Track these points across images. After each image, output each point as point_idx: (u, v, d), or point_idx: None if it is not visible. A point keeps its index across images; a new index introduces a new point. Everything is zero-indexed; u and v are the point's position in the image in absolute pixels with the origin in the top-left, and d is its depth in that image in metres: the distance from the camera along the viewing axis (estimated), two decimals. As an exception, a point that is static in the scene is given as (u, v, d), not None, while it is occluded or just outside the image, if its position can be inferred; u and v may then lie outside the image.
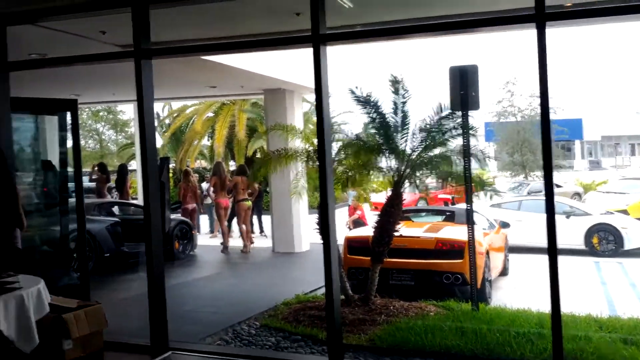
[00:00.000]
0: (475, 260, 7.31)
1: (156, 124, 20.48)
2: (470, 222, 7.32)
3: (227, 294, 8.69)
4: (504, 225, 10.61)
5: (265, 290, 8.82)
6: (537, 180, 23.86)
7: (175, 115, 22.50)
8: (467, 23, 5.76)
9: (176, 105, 22.27)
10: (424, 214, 11.34)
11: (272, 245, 12.39)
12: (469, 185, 7.26)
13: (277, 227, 12.26)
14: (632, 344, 5.62)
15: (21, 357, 4.09)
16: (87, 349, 5.03)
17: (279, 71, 10.77)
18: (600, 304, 8.37)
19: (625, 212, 17.44)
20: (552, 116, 23.62)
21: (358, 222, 12.25)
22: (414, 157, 7.35)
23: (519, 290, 9.28)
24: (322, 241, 5.31)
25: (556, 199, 15.66)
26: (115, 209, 11.48)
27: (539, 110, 5.05)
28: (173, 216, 11.58)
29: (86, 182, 20.01)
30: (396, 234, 7.34)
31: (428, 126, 7.35)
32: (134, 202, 13.20)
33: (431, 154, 7.44)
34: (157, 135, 22.01)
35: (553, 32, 4.71)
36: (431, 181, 8.95)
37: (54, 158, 7.72)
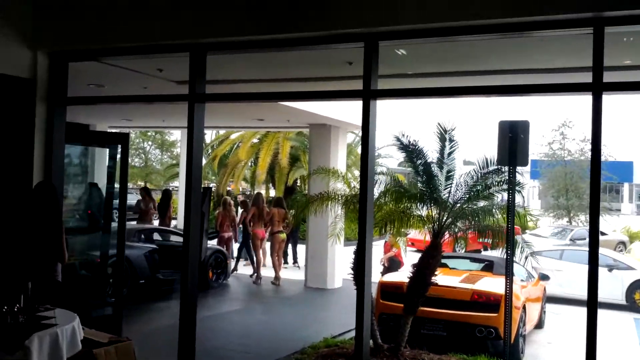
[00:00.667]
0: (511, 315, 7.18)
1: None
2: (509, 274, 7.21)
3: (256, 332, 8.70)
4: (543, 277, 10.36)
5: (294, 329, 8.81)
6: (581, 225, 23.29)
7: (221, 140, 22.92)
8: (523, 88, 5.80)
9: (222, 129, 22.69)
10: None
11: (304, 279, 12.41)
12: (512, 238, 7.19)
13: (310, 261, 12.28)
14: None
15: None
16: (116, 384, 5.13)
17: (325, 108, 10.92)
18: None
19: (671, 265, 16.88)
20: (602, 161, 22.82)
21: (393, 260, 12.12)
22: (456, 208, 7.29)
23: (553, 346, 9.06)
24: (355, 287, 5.29)
25: (600, 250, 15.27)
26: (155, 234, 11.73)
27: (589, 155, 5.04)
28: (209, 244, 11.75)
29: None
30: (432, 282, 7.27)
31: (473, 179, 7.29)
32: (174, 229, 13.42)
33: (473, 206, 7.35)
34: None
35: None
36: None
37: (101, 182, 8.00)
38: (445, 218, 7.25)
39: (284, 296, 11.58)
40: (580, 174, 24.41)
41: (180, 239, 7.48)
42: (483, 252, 14.13)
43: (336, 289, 12.10)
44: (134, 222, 13.43)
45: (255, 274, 12.40)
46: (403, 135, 7.37)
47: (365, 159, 5.45)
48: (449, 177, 7.35)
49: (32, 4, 6.35)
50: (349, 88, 5.89)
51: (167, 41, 5.90)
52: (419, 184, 7.48)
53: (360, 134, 6.96)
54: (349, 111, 11.22)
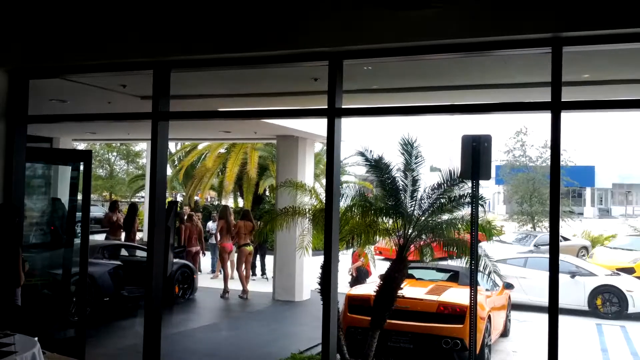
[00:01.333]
0: (476, 326, 7.28)
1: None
2: (474, 285, 7.30)
3: (223, 349, 8.61)
4: (508, 286, 10.55)
5: (262, 345, 8.77)
6: (544, 231, 23.75)
7: (187, 150, 22.74)
8: (485, 107, 5.95)
9: (188, 141, 22.54)
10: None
11: (272, 292, 12.38)
12: (475, 251, 7.28)
13: (279, 273, 12.27)
14: None
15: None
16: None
17: (292, 121, 10.96)
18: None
19: (632, 269, 17.35)
20: (564, 165, 23.21)
21: (361, 270, 12.19)
22: (420, 221, 7.37)
23: (519, 354, 9.22)
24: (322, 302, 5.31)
25: (562, 257, 15.63)
26: (121, 249, 11.56)
27: (549, 162, 5.20)
28: (176, 260, 11.63)
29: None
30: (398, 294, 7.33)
31: (438, 192, 7.38)
32: (139, 244, 13.25)
33: (437, 219, 7.45)
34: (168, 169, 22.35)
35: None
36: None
37: (64, 197, 7.86)
38: (410, 231, 7.33)
39: (252, 310, 11.52)
40: (542, 180, 24.88)
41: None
42: (449, 262, 14.26)
43: (304, 302, 12.10)
44: (103, 236, 13.23)
45: (223, 288, 12.33)
46: (367, 150, 7.43)
47: (331, 175, 5.50)
48: (414, 191, 7.43)
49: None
50: (315, 102, 5.95)
51: (131, 59, 5.87)
52: (385, 198, 7.55)
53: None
54: (315, 123, 11.27)
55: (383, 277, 7.34)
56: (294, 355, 7.90)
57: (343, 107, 5.43)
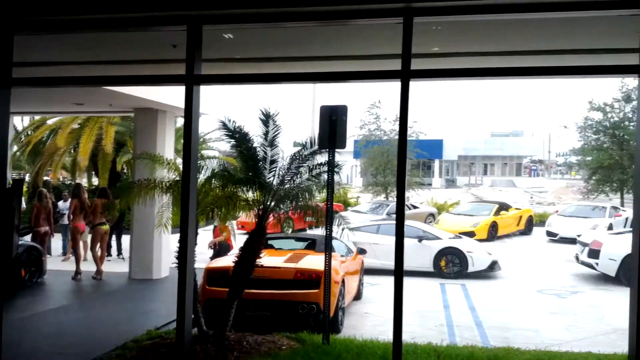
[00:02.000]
0: (330, 289, 7.67)
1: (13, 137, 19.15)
2: (328, 250, 7.66)
3: (73, 331, 8.24)
4: (361, 251, 11.21)
5: (116, 324, 8.49)
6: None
7: (36, 126, 21.00)
8: (337, 75, 6.19)
9: (37, 114, 20.86)
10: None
11: (128, 271, 12.03)
12: (331, 218, 7.62)
13: (135, 252, 11.92)
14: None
15: None
16: None
17: (149, 91, 10.52)
18: (442, 328, 9.16)
19: (472, 233, 19.12)
20: (415, 138, 24.77)
21: (223, 244, 12.25)
22: (280, 190, 7.53)
23: (371, 315, 9.85)
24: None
25: (410, 223, 16.65)
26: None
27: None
28: (22, 240, 10.90)
29: None
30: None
31: (295, 162, 7.57)
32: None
33: (296, 188, 7.65)
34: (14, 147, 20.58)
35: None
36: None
37: None
38: (269, 201, 7.48)
39: (106, 291, 11.13)
40: (395, 152, 26.31)
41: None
42: (308, 231, 14.77)
43: (162, 279, 11.90)
44: None
45: (75, 270, 11.76)
46: (229, 120, 7.42)
47: (188, 145, 5.48)
48: (273, 161, 7.55)
49: None
50: (174, 72, 5.81)
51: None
52: (245, 169, 7.60)
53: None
54: (175, 95, 10.91)
55: (242, 248, 7.44)
56: (149, 331, 7.77)
57: (202, 74, 5.39)
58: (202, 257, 10.81)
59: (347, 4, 4.97)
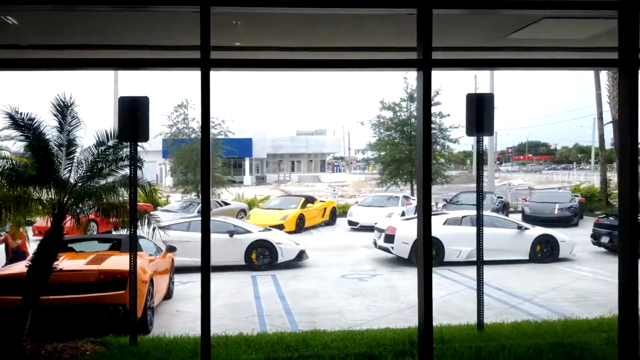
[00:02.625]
0: (137, 290, 7.39)
1: None
2: (133, 249, 7.35)
3: None
4: (171, 249, 10.98)
5: None
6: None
7: None
8: (139, 62, 6.03)
9: None
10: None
11: None
12: (134, 215, 7.32)
13: None
14: None
15: None
16: None
17: None
18: (253, 319, 9.34)
19: (282, 225, 19.75)
20: (224, 137, 24.82)
21: (18, 251, 11.16)
22: (77, 188, 7.06)
23: (182, 314, 9.70)
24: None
25: (221, 218, 16.65)
26: None
27: (212, 132, 5.52)
28: None
29: None
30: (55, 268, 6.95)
31: (94, 156, 7.14)
32: None
33: (96, 184, 7.23)
34: None
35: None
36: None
37: None
38: (66, 199, 6.98)
39: None
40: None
41: None
42: (114, 232, 14.02)
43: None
44: None
45: None
46: (17, 111, 6.76)
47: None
48: (70, 156, 7.04)
49: None
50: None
51: None
52: (37, 165, 6.98)
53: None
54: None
55: (36, 251, 6.87)
56: None
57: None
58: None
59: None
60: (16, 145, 7.40)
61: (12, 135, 7.22)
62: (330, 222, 23.19)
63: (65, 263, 7.64)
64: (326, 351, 6.55)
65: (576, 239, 15.68)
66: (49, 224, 7.03)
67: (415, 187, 27.53)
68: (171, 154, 28.85)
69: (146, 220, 7.71)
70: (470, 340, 6.85)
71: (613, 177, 28.15)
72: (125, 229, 8.26)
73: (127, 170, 7.30)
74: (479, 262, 7.80)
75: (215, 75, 5.34)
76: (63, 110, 6.96)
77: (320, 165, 62.83)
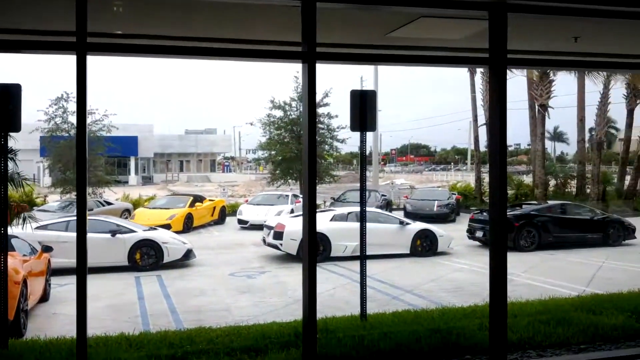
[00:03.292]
0: (7, 292, 6.89)
1: None
2: (3, 249, 6.87)
3: None
4: (47, 249, 10.34)
5: None
6: (93, 196, 24.07)
7: None
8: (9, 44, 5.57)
9: None
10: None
11: None
12: (5, 210, 6.84)
13: None
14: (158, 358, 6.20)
15: None
16: None
17: None
18: (136, 319, 9.03)
19: (169, 225, 19.23)
20: (107, 134, 23.90)
21: None
22: None
23: (58, 316, 9.19)
24: None
25: (103, 218, 16.01)
26: None
27: (92, 128, 5.16)
28: None
29: None
30: None
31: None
32: None
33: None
34: None
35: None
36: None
37: None
38: None
39: None
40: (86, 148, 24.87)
41: None
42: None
43: None
44: None
45: None
46: None
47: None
48: None
49: None
50: None
51: None
52: None
53: None
54: None
55: None
56: None
57: None
58: None
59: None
60: None
61: None
62: (220, 221, 22.92)
63: None
64: (211, 346, 6.47)
65: (453, 234, 16.62)
66: None
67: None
68: (49, 151, 27.18)
69: (21, 220, 7.27)
70: (353, 330, 7.04)
71: (486, 176, 30.15)
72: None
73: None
74: (362, 256, 8.04)
75: (97, 67, 5.10)
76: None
77: (211, 165, 61.82)
